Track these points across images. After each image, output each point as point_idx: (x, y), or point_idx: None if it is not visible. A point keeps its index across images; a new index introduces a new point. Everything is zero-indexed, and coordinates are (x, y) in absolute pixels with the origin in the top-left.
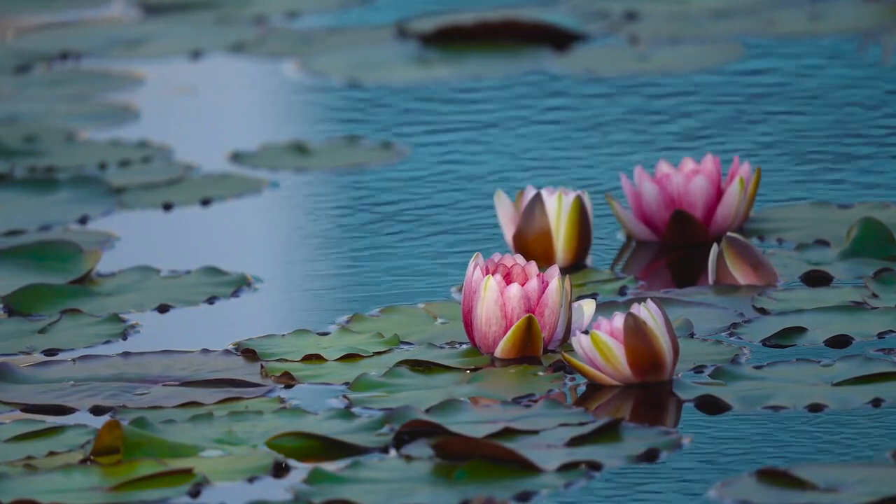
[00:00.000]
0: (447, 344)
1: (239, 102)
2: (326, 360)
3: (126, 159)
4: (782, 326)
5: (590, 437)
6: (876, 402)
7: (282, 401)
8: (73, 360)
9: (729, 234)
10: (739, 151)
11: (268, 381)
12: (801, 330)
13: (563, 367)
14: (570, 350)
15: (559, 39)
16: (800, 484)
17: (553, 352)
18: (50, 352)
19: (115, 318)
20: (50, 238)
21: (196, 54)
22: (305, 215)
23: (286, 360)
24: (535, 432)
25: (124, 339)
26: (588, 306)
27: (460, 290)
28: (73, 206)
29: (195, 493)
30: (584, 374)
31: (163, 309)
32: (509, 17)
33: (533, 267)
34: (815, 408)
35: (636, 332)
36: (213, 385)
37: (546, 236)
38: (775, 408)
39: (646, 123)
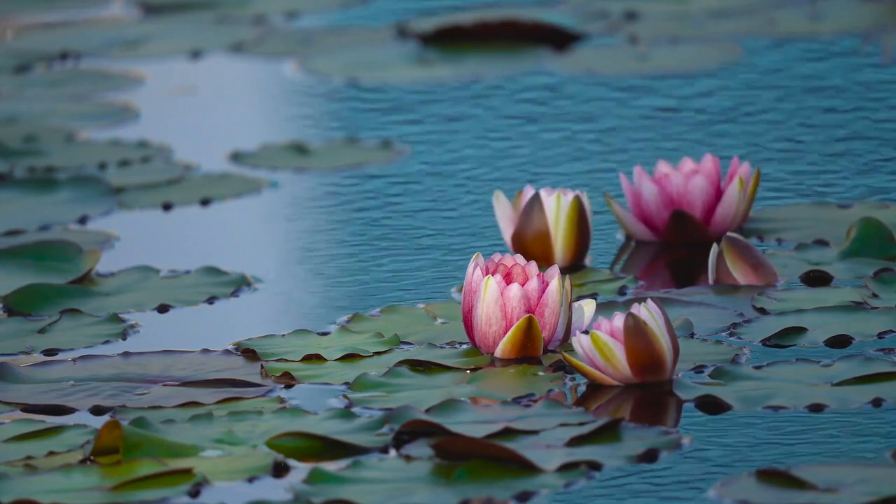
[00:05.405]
0: (447, 344)
1: (239, 102)
2: (326, 360)
3: (126, 159)
4: (782, 326)
5: (590, 437)
6: (876, 402)
7: (282, 401)
8: (73, 360)
9: (729, 234)
10: (739, 151)
11: (268, 381)
12: (801, 330)
13: (563, 367)
14: (570, 350)
15: (559, 39)
16: (799, 484)
17: (553, 352)
18: (50, 352)
19: (115, 318)
20: (50, 238)
21: (196, 54)
22: (305, 215)
23: (286, 360)
24: (535, 432)
25: (124, 339)
26: (588, 306)
27: (460, 290)
28: (73, 206)
29: (195, 493)
30: (584, 374)
31: (163, 309)
32: (509, 17)
33: (533, 267)
34: (815, 408)
35: (636, 332)
36: (213, 385)
37: (545, 236)
38: (775, 408)
39: (645, 123)
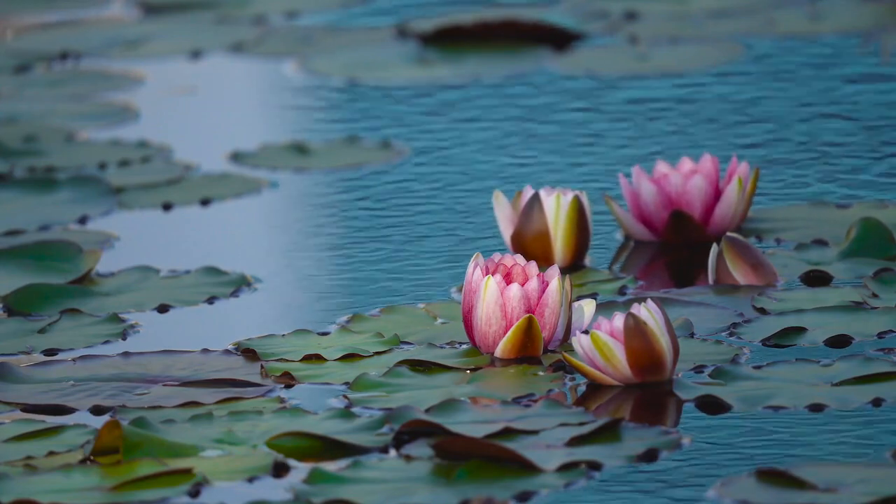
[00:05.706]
0: (447, 344)
1: (239, 102)
2: (326, 360)
3: (126, 159)
4: (782, 326)
5: (590, 437)
6: (876, 402)
7: (282, 401)
8: (73, 359)
9: (729, 233)
10: (738, 151)
11: (268, 381)
12: (800, 330)
13: (563, 367)
14: (570, 350)
15: (559, 39)
16: (799, 484)
17: (553, 352)
18: (50, 352)
19: (115, 318)
20: (50, 238)
21: (196, 54)
22: (305, 215)
23: (286, 360)
24: (535, 432)
25: (124, 339)
26: (588, 306)
27: (460, 290)
28: (73, 206)
29: (195, 493)
30: (584, 374)
31: (163, 309)
32: (509, 17)
33: (533, 267)
34: (815, 408)
35: (636, 332)
36: (213, 385)
37: (544, 236)
38: (775, 408)
39: (644, 123)
